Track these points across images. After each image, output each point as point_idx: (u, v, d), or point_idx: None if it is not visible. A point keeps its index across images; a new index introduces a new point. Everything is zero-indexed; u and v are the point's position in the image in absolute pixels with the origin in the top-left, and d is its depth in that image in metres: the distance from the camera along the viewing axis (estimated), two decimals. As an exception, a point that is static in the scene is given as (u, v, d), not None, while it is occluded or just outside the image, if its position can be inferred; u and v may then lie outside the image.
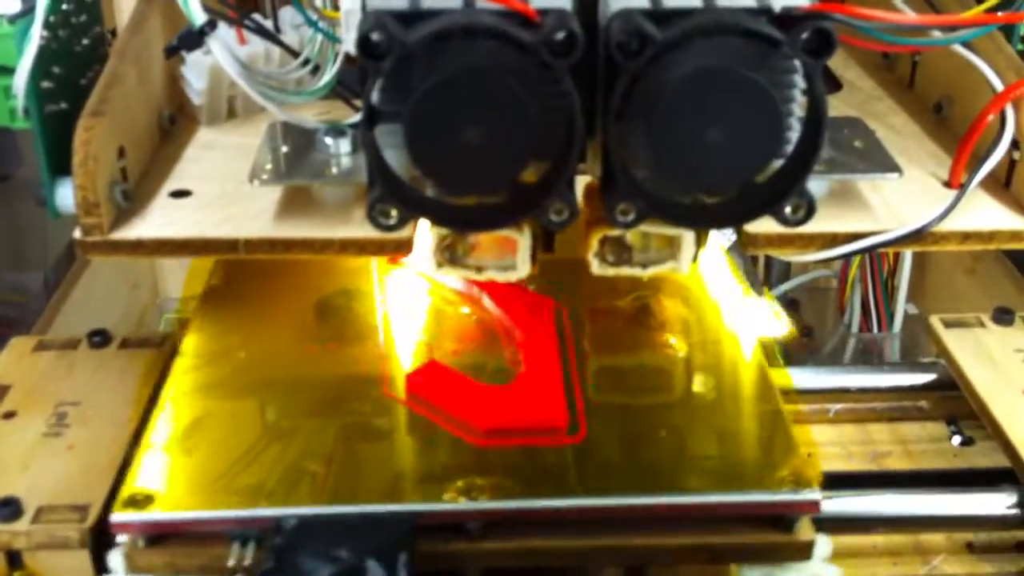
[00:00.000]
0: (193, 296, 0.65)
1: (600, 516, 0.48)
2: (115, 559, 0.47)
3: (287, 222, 0.45)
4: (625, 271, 0.46)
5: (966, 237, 0.45)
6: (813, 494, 0.47)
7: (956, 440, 0.61)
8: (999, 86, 0.47)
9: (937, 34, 0.47)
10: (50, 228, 0.87)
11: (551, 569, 0.49)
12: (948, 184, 0.48)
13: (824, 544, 0.48)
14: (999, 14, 0.44)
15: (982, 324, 0.61)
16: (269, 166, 0.46)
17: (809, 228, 0.43)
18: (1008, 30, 0.50)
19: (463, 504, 0.47)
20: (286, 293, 0.62)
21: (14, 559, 0.47)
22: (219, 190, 0.48)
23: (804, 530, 0.47)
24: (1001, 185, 0.48)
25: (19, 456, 0.51)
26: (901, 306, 0.78)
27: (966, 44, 0.48)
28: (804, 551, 0.47)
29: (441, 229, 0.44)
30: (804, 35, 0.37)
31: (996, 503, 0.52)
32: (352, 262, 0.64)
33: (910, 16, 0.43)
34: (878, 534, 0.54)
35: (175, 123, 0.54)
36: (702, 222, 0.43)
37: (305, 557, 0.44)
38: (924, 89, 0.56)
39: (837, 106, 0.55)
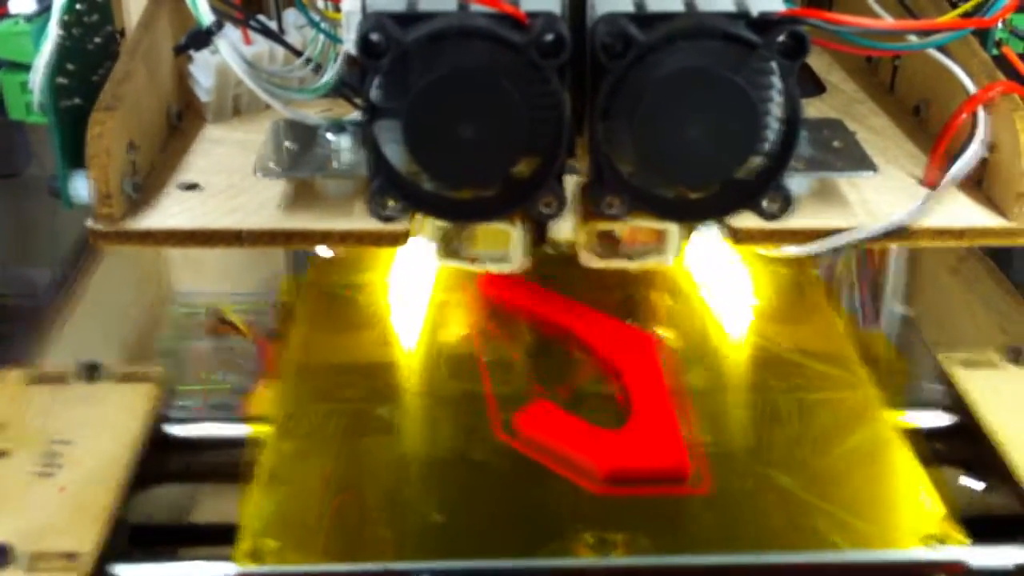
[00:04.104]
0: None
1: (735, 574, 0.45)
2: None
3: (290, 214, 0.47)
4: (614, 263, 0.48)
5: (939, 233, 0.47)
6: (958, 552, 0.45)
7: (971, 485, 0.57)
8: (972, 89, 0.49)
9: (913, 39, 0.48)
10: (59, 224, 0.89)
11: None
12: (924, 183, 0.50)
13: None
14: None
15: (997, 364, 0.59)
16: (273, 160, 0.48)
17: (790, 224, 0.45)
18: (983, 35, 0.52)
19: (598, 560, 0.45)
20: (386, 333, 0.60)
21: None
22: (225, 183, 0.50)
23: None
24: (975, 184, 0.50)
25: (8, 498, 0.50)
26: (887, 306, 0.80)
27: (942, 49, 0.50)
28: None
29: (439, 222, 0.46)
30: (780, 38, 0.39)
31: (1012, 556, 0.49)
32: (455, 303, 0.62)
33: (882, 21, 0.45)
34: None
35: (182, 119, 0.56)
36: (685, 216, 0.45)
37: None
38: (904, 92, 0.58)
39: (821, 108, 0.57)
